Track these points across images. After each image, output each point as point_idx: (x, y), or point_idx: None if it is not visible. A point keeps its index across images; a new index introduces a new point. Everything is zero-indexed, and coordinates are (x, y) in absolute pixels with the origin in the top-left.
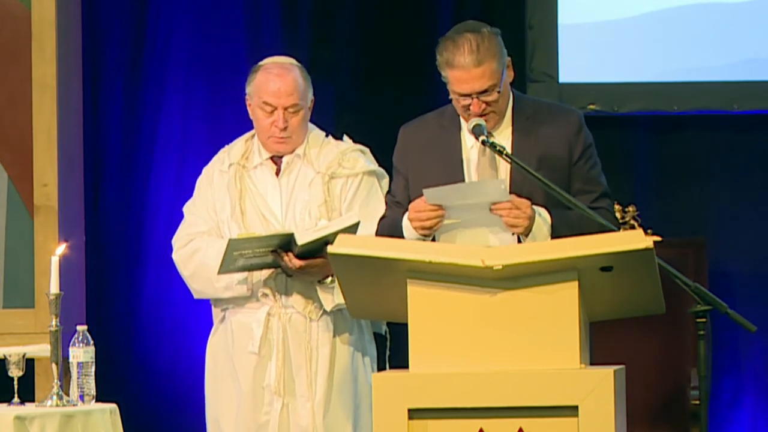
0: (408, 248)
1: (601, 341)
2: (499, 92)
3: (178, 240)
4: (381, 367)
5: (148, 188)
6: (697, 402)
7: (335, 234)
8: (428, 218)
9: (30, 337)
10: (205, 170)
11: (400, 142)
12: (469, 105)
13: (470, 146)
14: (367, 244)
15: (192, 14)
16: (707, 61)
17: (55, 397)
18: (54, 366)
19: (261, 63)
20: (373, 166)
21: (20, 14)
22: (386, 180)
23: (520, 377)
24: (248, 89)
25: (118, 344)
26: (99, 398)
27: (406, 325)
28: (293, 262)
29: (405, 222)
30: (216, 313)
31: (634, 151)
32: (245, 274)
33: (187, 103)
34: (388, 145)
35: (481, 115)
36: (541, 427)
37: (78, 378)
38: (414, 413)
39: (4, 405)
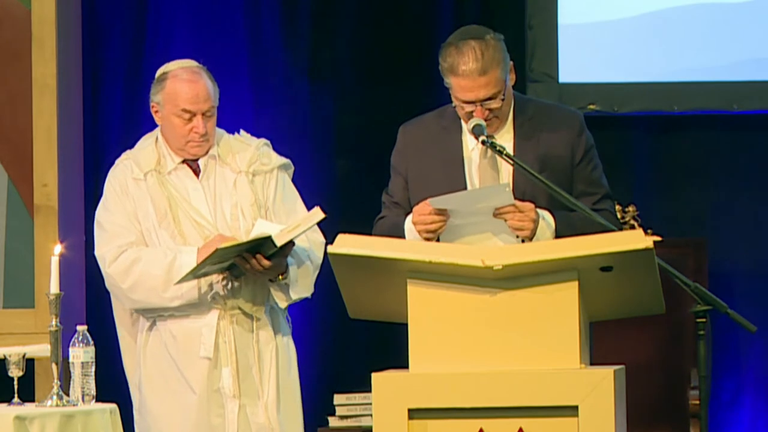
0: (408, 248)
1: (601, 341)
2: (503, 100)
3: (107, 253)
4: None
5: None
6: (697, 402)
7: (306, 231)
8: (432, 222)
9: (30, 337)
10: (114, 179)
11: (399, 141)
12: (473, 111)
13: (471, 147)
14: (367, 244)
15: (192, 14)
16: (707, 61)
17: (55, 397)
18: (54, 366)
19: (165, 70)
20: (282, 158)
21: (20, 14)
22: (292, 170)
23: (520, 377)
24: (157, 98)
25: (118, 344)
26: (99, 398)
27: (406, 325)
28: (262, 263)
29: (408, 225)
30: (138, 322)
31: (634, 151)
32: (194, 281)
33: None
34: (388, 145)
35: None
36: (541, 427)
37: (78, 378)
38: (414, 413)
39: (4, 405)
